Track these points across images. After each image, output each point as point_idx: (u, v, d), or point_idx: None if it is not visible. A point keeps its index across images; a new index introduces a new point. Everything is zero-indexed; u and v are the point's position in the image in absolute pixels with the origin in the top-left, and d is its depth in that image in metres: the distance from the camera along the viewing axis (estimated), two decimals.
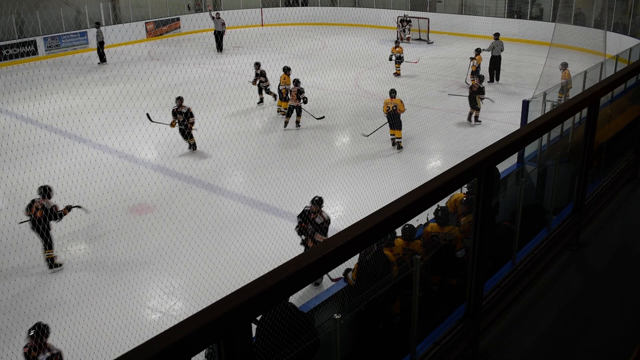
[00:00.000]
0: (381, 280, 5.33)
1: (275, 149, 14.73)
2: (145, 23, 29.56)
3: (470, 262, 3.60)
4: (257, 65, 18.06)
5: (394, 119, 14.61)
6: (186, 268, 9.50)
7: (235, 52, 26.21)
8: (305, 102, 16.09)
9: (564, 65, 15.92)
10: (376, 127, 14.97)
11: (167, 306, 8.86)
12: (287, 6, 34.03)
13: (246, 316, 2.11)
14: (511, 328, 3.96)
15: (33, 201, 9.74)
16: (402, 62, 21.75)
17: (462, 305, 3.80)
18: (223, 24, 26.78)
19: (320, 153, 14.13)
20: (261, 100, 18.49)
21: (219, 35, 26.80)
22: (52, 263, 9.76)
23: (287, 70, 17.15)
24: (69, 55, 26.07)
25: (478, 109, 16.55)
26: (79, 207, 10.27)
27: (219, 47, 26.92)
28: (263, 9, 32.74)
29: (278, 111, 17.58)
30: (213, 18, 26.87)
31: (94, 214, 11.23)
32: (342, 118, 17.25)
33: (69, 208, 10.01)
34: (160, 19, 30.30)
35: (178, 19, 31.03)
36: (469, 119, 16.64)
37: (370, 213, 2.64)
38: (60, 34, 26.56)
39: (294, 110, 16.39)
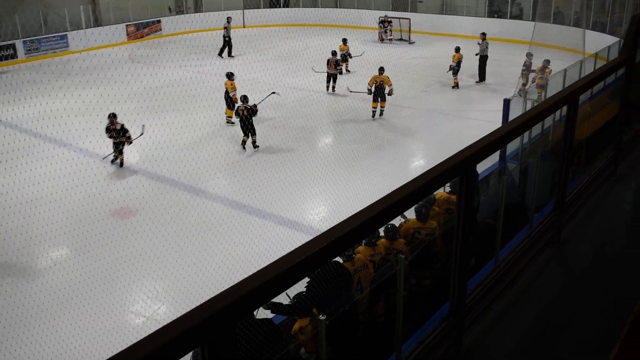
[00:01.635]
0: (341, 293, 5.32)
1: (257, 151, 14.69)
2: (126, 25, 29.38)
3: (453, 261, 3.61)
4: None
5: (380, 92, 16.72)
6: (170, 272, 9.45)
7: (216, 54, 26.12)
8: (254, 114, 14.94)
9: (547, 62, 16.11)
10: (360, 92, 17.57)
11: (150, 310, 8.80)
12: (269, 7, 34.00)
13: (230, 319, 2.11)
14: (494, 326, 3.98)
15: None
16: (349, 59, 22.46)
17: (446, 304, 3.81)
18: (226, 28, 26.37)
19: (303, 154, 14.12)
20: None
21: (230, 40, 26.39)
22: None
23: (230, 76, 16.73)
24: (48, 58, 25.82)
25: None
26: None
27: (230, 52, 26.53)
28: (245, 10, 32.66)
29: (227, 122, 16.97)
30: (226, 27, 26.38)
31: (75, 218, 11.14)
32: (324, 118, 17.27)
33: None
34: (141, 21, 30.12)
35: (159, 21, 30.87)
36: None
37: (353, 213, 2.65)
38: (39, 37, 26.31)
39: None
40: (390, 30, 28.56)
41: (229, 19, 26.67)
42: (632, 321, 3.51)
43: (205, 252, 9.73)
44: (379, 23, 28.79)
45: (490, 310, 4.09)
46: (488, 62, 20.93)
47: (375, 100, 16.90)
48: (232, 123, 16.67)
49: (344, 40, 22.83)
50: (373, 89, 16.86)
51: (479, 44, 20.70)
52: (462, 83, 20.55)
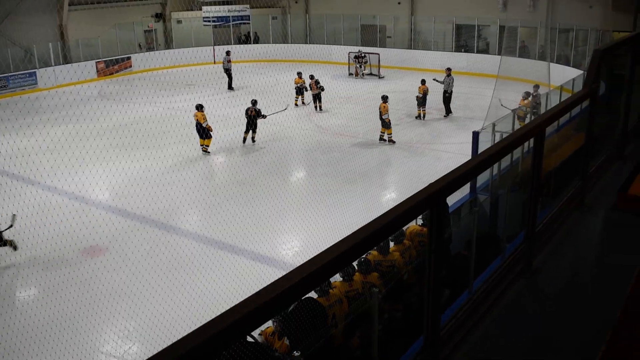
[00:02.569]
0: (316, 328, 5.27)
1: (229, 186, 14.63)
2: (96, 62, 29.31)
3: (426, 293, 3.60)
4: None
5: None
6: (141, 310, 9.28)
7: (187, 90, 26.15)
8: (260, 117, 18.03)
9: (527, 95, 16.49)
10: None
11: (121, 350, 8.60)
12: (239, 44, 34.27)
13: (204, 357, 2.07)
14: (470, 358, 3.96)
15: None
16: (303, 92, 23.13)
17: (420, 337, 3.79)
18: (229, 60, 27.07)
19: (275, 189, 14.10)
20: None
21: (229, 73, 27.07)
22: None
23: (199, 107, 17.27)
24: (16, 95, 25.58)
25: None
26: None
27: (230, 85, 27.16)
28: (215, 46, 32.87)
29: (203, 151, 17.47)
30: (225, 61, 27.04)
31: (44, 257, 10.92)
32: (296, 154, 17.32)
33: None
34: (110, 58, 30.10)
35: (129, 58, 30.87)
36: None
37: (326, 247, 2.64)
38: (7, 74, 26.11)
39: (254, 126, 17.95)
40: (364, 66, 28.92)
41: (228, 52, 27.08)
42: (604, 350, 3.53)
43: (177, 290, 9.59)
44: (354, 58, 29.12)
45: (464, 343, 4.08)
46: (456, 95, 21.28)
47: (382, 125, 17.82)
48: (208, 152, 17.32)
49: (299, 74, 23.28)
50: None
51: (438, 81, 21.07)
52: (431, 116, 20.84)
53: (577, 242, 5.54)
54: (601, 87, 6.20)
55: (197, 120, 17.13)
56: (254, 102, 18.08)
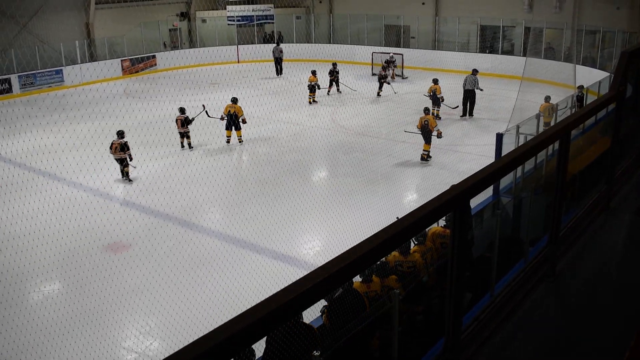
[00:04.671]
0: (356, 316, 5.28)
1: (252, 185, 14.70)
2: (121, 60, 29.63)
3: (448, 296, 3.59)
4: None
5: (426, 133, 16.14)
6: (163, 307, 9.36)
7: (211, 89, 26.31)
8: (190, 123, 17.59)
9: (547, 99, 16.33)
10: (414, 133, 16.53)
11: (143, 346, 8.69)
12: (263, 43, 34.40)
13: (225, 356, 2.08)
14: None
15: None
16: (316, 90, 23.26)
17: (441, 340, 3.78)
18: (281, 50, 30.09)
19: (297, 188, 14.13)
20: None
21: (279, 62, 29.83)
22: None
23: (235, 100, 18.03)
24: (43, 93, 25.95)
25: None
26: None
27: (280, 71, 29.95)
28: (239, 45, 33.02)
29: (239, 141, 18.27)
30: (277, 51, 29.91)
31: (68, 253, 11.06)
32: (318, 153, 17.33)
33: None
34: (136, 56, 30.40)
35: (154, 57, 31.15)
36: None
37: (348, 248, 2.64)
38: (35, 71, 26.49)
39: (184, 135, 17.81)
40: (394, 69, 28.57)
41: (278, 43, 30.92)
42: (628, 356, 3.48)
43: (199, 287, 9.66)
44: (384, 62, 28.75)
45: (485, 346, 4.05)
46: (480, 96, 21.13)
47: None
48: (242, 141, 18.19)
49: (313, 72, 23.42)
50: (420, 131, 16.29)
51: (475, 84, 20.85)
52: (454, 118, 20.73)
53: (602, 247, 5.48)
54: (628, 89, 6.12)
55: (236, 112, 17.75)
56: (182, 110, 17.79)
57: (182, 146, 17.78)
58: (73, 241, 11.30)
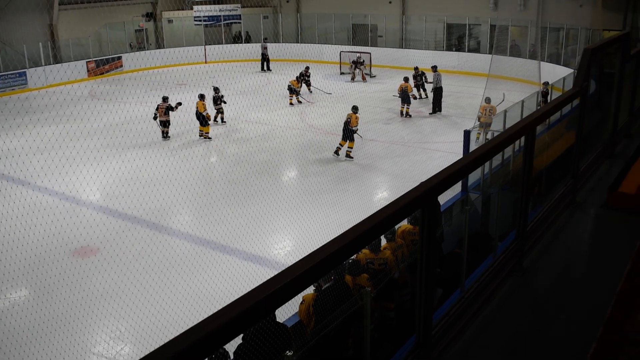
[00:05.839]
0: (337, 311, 5.28)
1: (221, 186, 14.60)
2: (87, 62, 29.19)
3: (418, 292, 3.61)
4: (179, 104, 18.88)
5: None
6: (133, 311, 9.24)
7: (178, 90, 26.08)
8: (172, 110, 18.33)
9: (487, 100, 16.60)
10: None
11: (114, 352, 8.57)
12: (230, 43, 34.24)
13: (198, 356, 2.06)
14: (461, 357, 3.98)
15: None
16: (297, 94, 23.44)
17: (412, 336, 3.80)
18: (265, 47, 31.32)
19: (267, 188, 14.09)
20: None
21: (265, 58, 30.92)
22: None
23: (202, 97, 18.72)
24: (6, 96, 25.44)
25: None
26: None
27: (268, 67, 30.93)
28: (207, 46, 32.79)
29: (204, 137, 18.64)
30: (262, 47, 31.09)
31: (35, 258, 10.86)
32: (288, 153, 17.30)
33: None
34: (101, 57, 29.99)
35: (120, 58, 30.75)
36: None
37: (318, 247, 2.64)
38: None
39: (165, 124, 18.40)
40: (363, 71, 28.57)
41: (265, 39, 31.93)
42: (596, 347, 3.54)
43: (169, 290, 9.56)
44: (352, 62, 28.73)
45: (456, 341, 4.09)
46: (447, 94, 21.33)
47: (343, 138, 16.44)
48: (210, 138, 18.61)
49: (298, 78, 23.67)
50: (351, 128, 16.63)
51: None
52: (422, 115, 20.89)
53: (568, 240, 5.57)
54: (591, 85, 6.23)
55: (197, 108, 18.34)
56: (165, 99, 18.48)
57: (164, 136, 18.37)
58: (40, 246, 11.09)
